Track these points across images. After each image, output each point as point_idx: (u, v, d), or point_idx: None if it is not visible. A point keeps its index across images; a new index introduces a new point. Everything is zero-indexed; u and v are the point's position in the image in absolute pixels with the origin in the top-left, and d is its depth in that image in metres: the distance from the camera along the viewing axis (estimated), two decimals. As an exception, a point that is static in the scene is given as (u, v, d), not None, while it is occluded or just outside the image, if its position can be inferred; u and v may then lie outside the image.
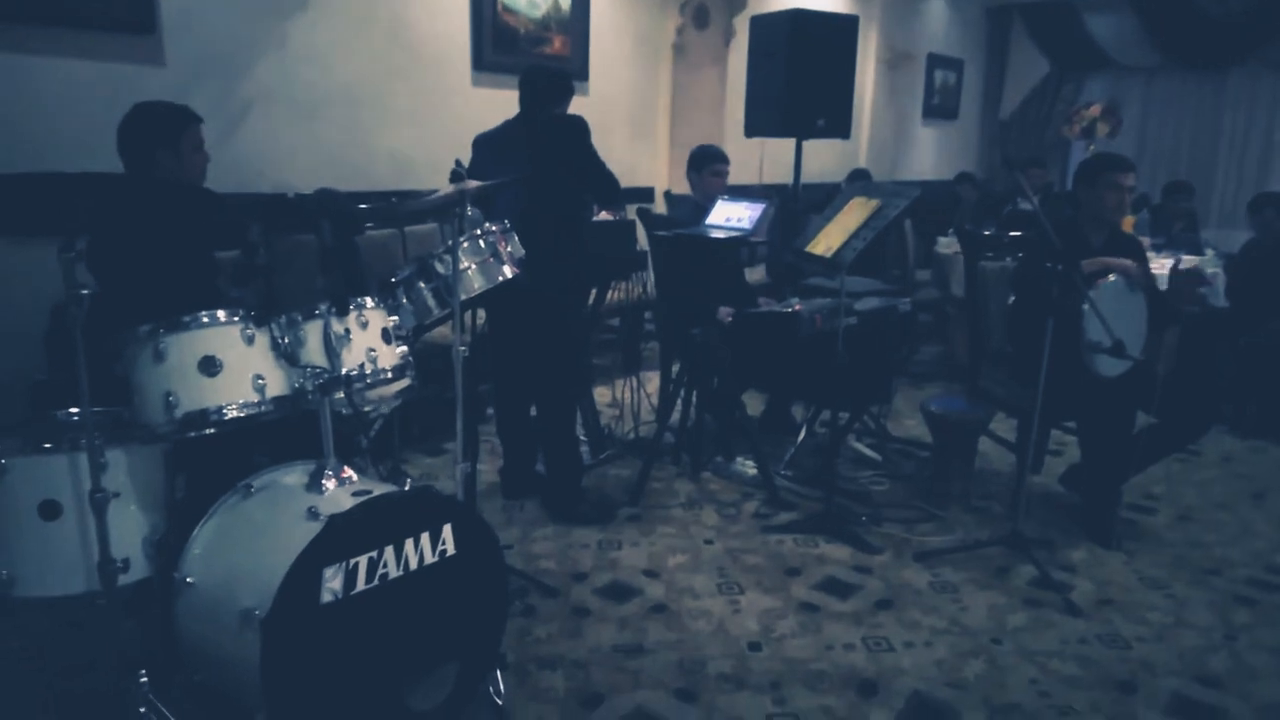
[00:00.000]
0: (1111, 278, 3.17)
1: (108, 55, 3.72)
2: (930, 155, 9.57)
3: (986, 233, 4.19)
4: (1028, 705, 2.33)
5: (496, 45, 5.13)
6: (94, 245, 1.94)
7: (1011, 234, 3.97)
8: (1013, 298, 3.58)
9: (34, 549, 1.92)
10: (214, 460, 2.23)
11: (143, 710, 1.90)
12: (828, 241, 3.14)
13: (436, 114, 4.95)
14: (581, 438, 4.07)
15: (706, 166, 4.07)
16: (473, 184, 2.35)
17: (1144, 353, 3.27)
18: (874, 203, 3.12)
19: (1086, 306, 3.00)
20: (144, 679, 1.93)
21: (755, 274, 5.18)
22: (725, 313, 3.80)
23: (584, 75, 5.77)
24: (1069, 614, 2.78)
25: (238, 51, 4.14)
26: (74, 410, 2.12)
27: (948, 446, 3.69)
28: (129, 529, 1.97)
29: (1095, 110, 6.55)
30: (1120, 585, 2.98)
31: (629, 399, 4.33)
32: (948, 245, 5.84)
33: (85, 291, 1.70)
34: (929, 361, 5.87)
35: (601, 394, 4.71)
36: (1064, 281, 2.87)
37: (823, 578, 3.00)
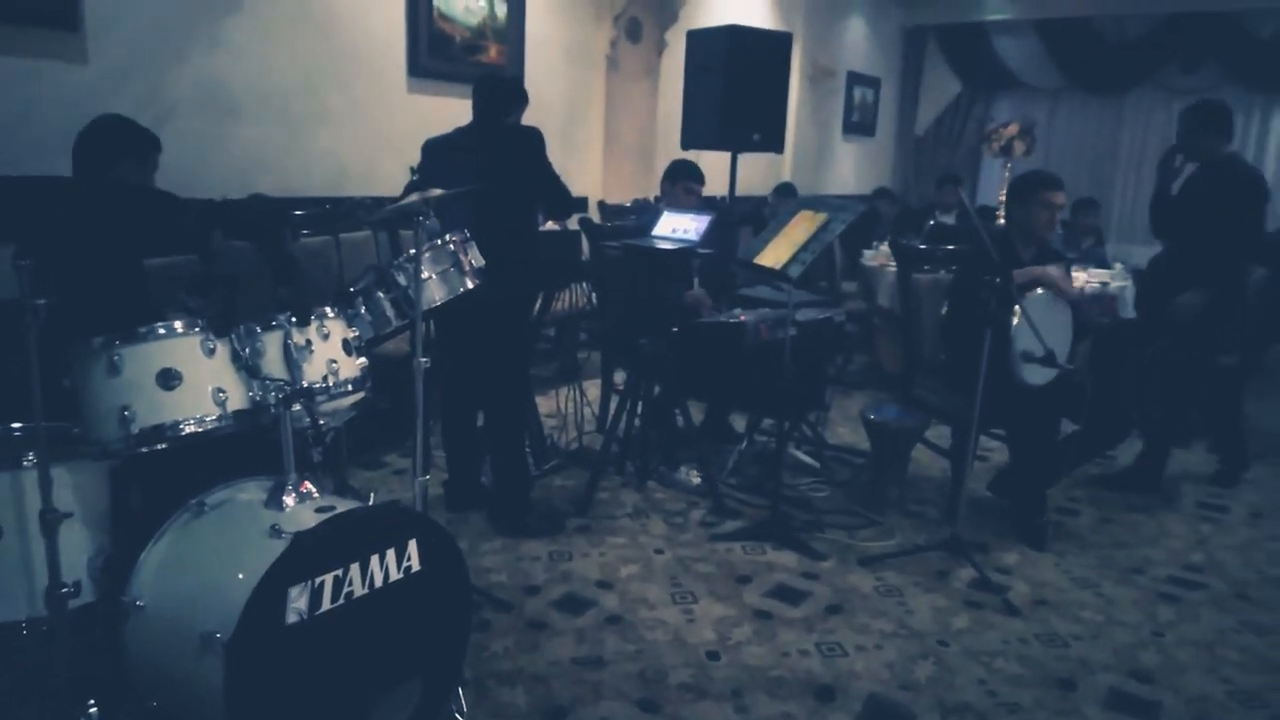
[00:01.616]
0: (1040, 290, 3.32)
1: (25, 51, 3.53)
2: (850, 170, 9.84)
3: (921, 246, 4.33)
4: (978, 704, 2.42)
5: (432, 51, 5.07)
6: (45, 252, 1.84)
7: (946, 247, 4.12)
8: (946, 308, 3.71)
9: (-30, 574, 1.82)
10: (160, 477, 2.14)
11: (95, 741, 1.81)
12: (776, 254, 3.20)
13: (371, 119, 4.86)
14: (525, 448, 4.05)
15: (680, 181, 4.11)
16: (436, 192, 2.32)
17: (1070, 361, 3.44)
18: (821, 216, 3.19)
19: (1017, 319, 3.14)
20: (93, 708, 1.83)
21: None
22: (696, 296, 3.83)
23: (518, 84, 5.74)
24: (1008, 614, 2.90)
25: (165, 51, 3.98)
26: (14, 425, 2.00)
27: (885, 453, 3.80)
28: (75, 551, 1.88)
29: (1013, 129, 6.87)
30: (1053, 586, 3.12)
31: (568, 408, 4.32)
32: (873, 258, 6.01)
33: (42, 301, 1.61)
34: (857, 371, 6.02)
35: (541, 404, 4.68)
36: (1000, 294, 2.99)
37: (773, 585, 3.04)
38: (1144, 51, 9.20)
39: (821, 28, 8.77)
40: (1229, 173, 3.76)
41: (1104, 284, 5.26)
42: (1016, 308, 3.14)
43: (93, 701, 1.84)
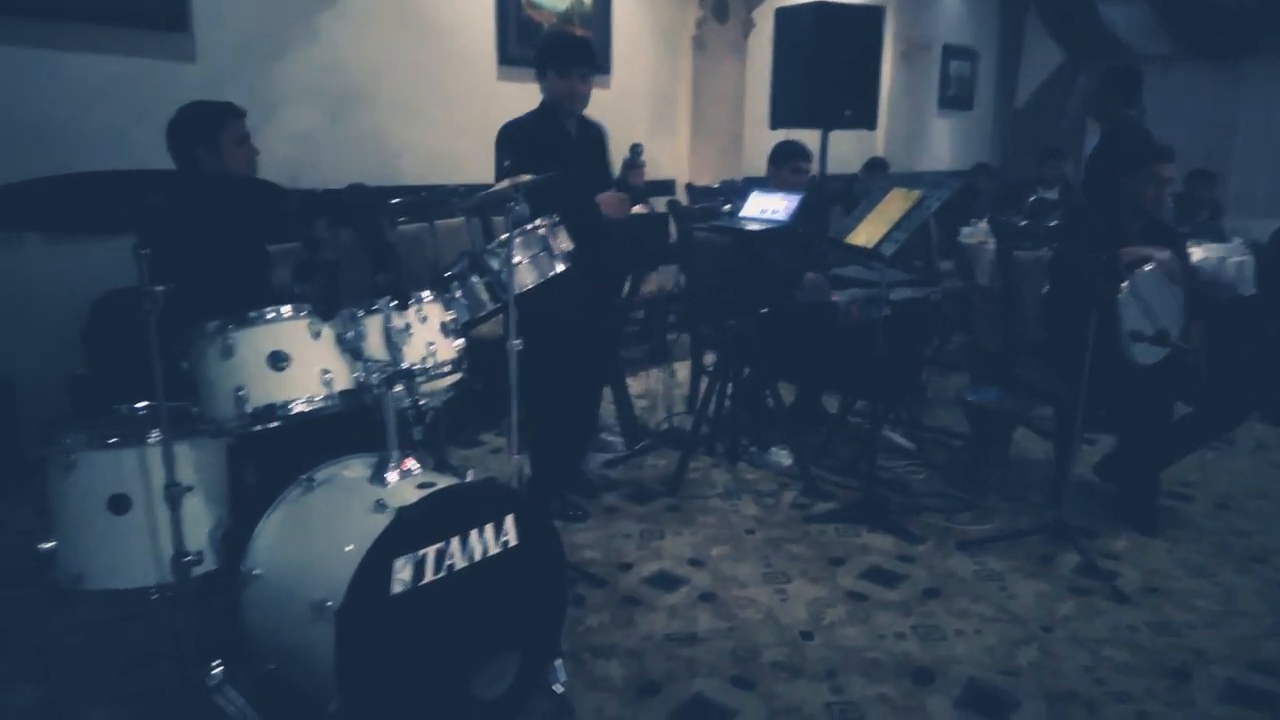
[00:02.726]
0: (1149, 266, 3.17)
1: (140, 51, 3.74)
2: (946, 146, 9.55)
3: (1022, 223, 4.19)
4: (1084, 693, 2.34)
5: (521, 39, 5.13)
6: (162, 241, 1.94)
7: (1050, 223, 3.97)
8: (1047, 286, 3.58)
9: (104, 542, 1.93)
10: (273, 453, 2.24)
11: (220, 701, 1.91)
12: (868, 233, 3.14)
13: (463, 108, 4.96)
14: (615, 429, 4.10)
15: (787, 163, 4.05)
16: (525, 178, 2.36)
17: (1183, 340, 3.28)
18: (915, 194, 3.12)
19: (1124, 295, 3.01)
20: (217, 668, 1.94)
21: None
22: (814, 280, 3.80)
23: (606, 68, 5.77)
24: (1117, 602, 2.79)
25: (267, 48, 4.15)
26: (139, 405, 2.13)
27: (985, 435, 3.69)
28: (197, 522, 1.98)
29: (1120, 99, 6.53)
30: (1166, 573, 2.99)
31: (658, 389, 4.34)
32: (971, 235, 5.83)
33: (160, 288, 1.70)
34: (954, 351, 5.86)
35: (631, 385, 4.71)
36: (1106, 270, 2.87)
37: (868, 567, 3.00)
38: (1264, 14, 8.61)
39: (916, 0, 8.53)
40: (1119, 135, 3.77)
41: (1221, 259, 4.98)
42: (1124, 284, 3.01)
43: (217, 663, 1.94)
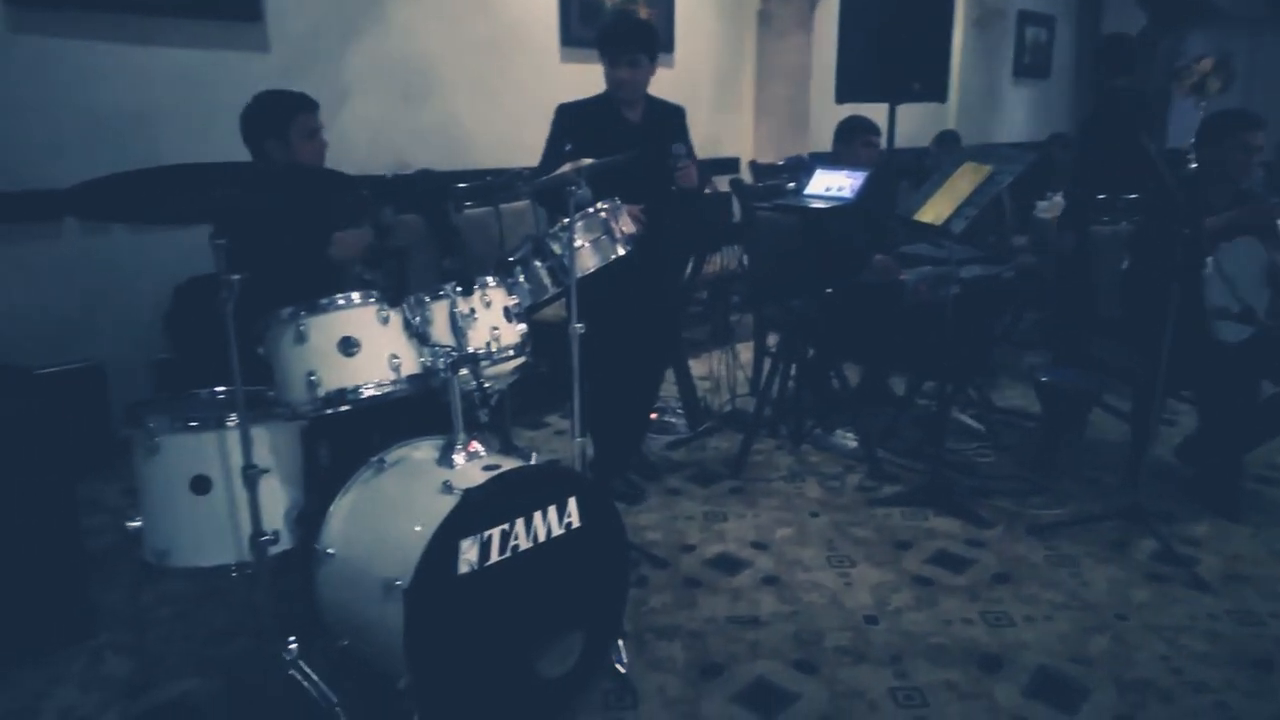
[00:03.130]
0: (1235, 240, 3.04)
1: (216, 43, 3.85)
2: (1021, 116, 9.27)
3: (1100, 196, 4.04)
4: (1159, 682, 2.28)
5: (584, 19, 5.13)
6: (237, 230, 2.00)
7: (1127, 196, 3.82)
8: (1127, 262, 3.46)
9: (187, 522, 2.02)
10: (344, 436, 2.31)
11: (293, 674, 1.99)
12: (937, 210, 3.07)
13: (527, 91, 4.98)
14: (678, 410, 4.10)
15: (857, 138, 3.97)
16: (586, 161, 2.36)
17: (1271, 317, 3.14)
18: (986, 169, 3.03)
19: (1208, 271, 2.89)
20: (293, 644, 2.01)
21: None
22: (884, 262, 3.73)
23: (670, 46, 5.73)
24: (1196, 589, 2.71)
25: (338, 36, 4.23)
26: (218, 389, 2.21)
27: (1058, 417, 3.60)
28: (274, 503, 2.06)
29: (1206, 65, 6.23)
30: (1249, 559, 2.89)
31: (720, 370, 4.32)
32: (1047, 209, 5.65)
33: (236, 276, 1.76)
34: (1027, 329, 5.71)
35: (694, 367, 4.71)
36: (1189, 244, 2.76)
37: (934, 551, 2.97)
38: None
39: (988, -34, 8.26)
40: (1109, 102, 3.81)
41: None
42: (1208, 260, 2.89)
43: (292, 638, 2.02)
